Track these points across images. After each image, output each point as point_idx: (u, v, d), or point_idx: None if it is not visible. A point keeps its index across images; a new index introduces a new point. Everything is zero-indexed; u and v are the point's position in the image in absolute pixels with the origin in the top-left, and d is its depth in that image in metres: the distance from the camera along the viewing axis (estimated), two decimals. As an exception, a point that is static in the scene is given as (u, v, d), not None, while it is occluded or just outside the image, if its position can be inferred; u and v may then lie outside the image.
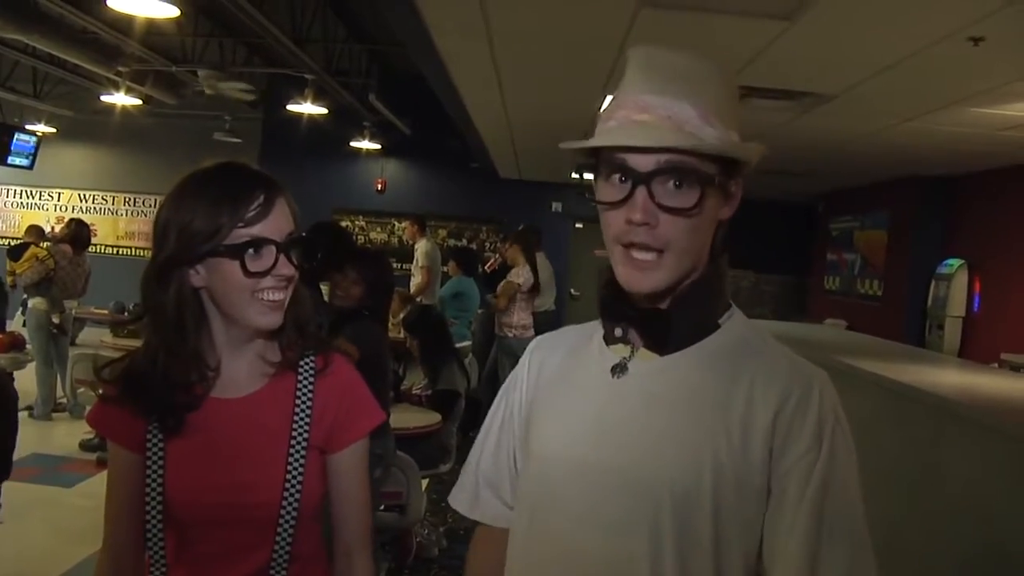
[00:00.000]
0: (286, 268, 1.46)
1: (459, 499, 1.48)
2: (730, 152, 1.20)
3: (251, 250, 1.42)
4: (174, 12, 6.24)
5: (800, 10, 4.12)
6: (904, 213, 10.10)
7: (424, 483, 4.97)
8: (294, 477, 1.48)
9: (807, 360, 1.26)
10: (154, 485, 1.49)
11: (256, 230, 1.43)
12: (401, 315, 7.15)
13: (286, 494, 1.47)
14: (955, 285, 9.00)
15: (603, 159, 1.22)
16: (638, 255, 1.20)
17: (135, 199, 13.72)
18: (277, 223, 1.45)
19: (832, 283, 12.12)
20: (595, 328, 1.35)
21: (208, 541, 1.51)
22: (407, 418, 4.86)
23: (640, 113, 1.19)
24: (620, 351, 1.28)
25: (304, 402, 1.53)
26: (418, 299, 8.78)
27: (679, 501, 1.16)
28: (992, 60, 4.68)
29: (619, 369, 1.26)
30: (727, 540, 1.17)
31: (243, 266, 1.42)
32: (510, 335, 7.73)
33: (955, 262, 9.11)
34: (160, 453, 1.50)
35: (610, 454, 1.21)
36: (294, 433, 1.50)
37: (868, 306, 10.73)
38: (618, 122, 1.21)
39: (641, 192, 1.17)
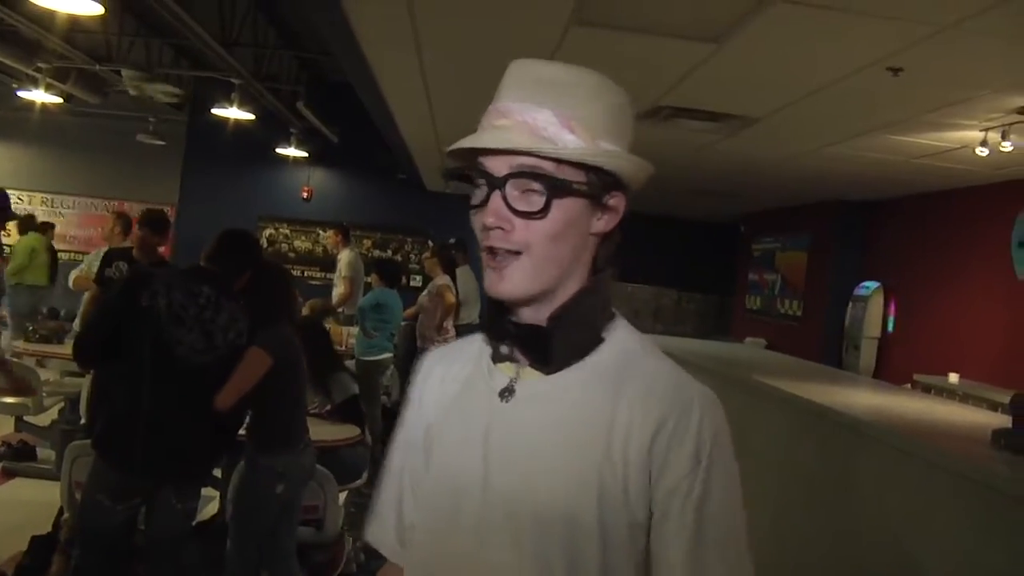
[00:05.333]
0: None
1: (382, 535, 1.42)
2: (586, 159, 1.18)
3: None
4: (98, 9, 6.10)
5: (728, 34, 4.19)
6: (824, 235, 10.33)
7: (342, 496, 4.91)
8: None
9: (692, 377, 1.25)
10: None
11: None
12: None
13: None
14: (872, 307, 9.23)
15: (471, 165, 1.22)
16: (498, 259, 1.20)
17: (53, 199, 13.35)
18: None
19: (753, 303, 12.33)
20: (485, 344, 1.32)
21: None
22: (326, 431, 4.80)
23: (500, 119, 1.20)
24: (507, 370, 1.26)
25: None
26: (340, 310, 8.71)
27: (567, 529, 1.16)
28: (910, 90, 4.82)
29: (507, 393, 1.24)
30: (616, 566, 1.17)
31: None
32: (432, 348, 7.71)
33: (872, 284, 9.34)
34: None
35: (500, 482, 1.20)
36: None
37: (788, 326, 10.93)
38: (480, 129, 1.21)
39: (495, 196, 1.18)
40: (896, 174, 7.67)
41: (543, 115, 1.17)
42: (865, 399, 4.31)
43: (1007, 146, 5.58)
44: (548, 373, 1.23)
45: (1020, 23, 3.69)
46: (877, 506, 3.13)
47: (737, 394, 4.29)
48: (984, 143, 5.72)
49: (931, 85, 4.74)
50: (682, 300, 13.14)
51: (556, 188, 1.17)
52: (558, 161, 1.16)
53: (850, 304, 9.58)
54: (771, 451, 3.93)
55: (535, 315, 1.23)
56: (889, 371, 8.67)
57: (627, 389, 1.20)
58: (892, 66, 4.38)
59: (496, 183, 1.18)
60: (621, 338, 1.27)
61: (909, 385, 7.04)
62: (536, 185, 1.16)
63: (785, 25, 4.04)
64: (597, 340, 1.25)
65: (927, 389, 6.81)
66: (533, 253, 1.18)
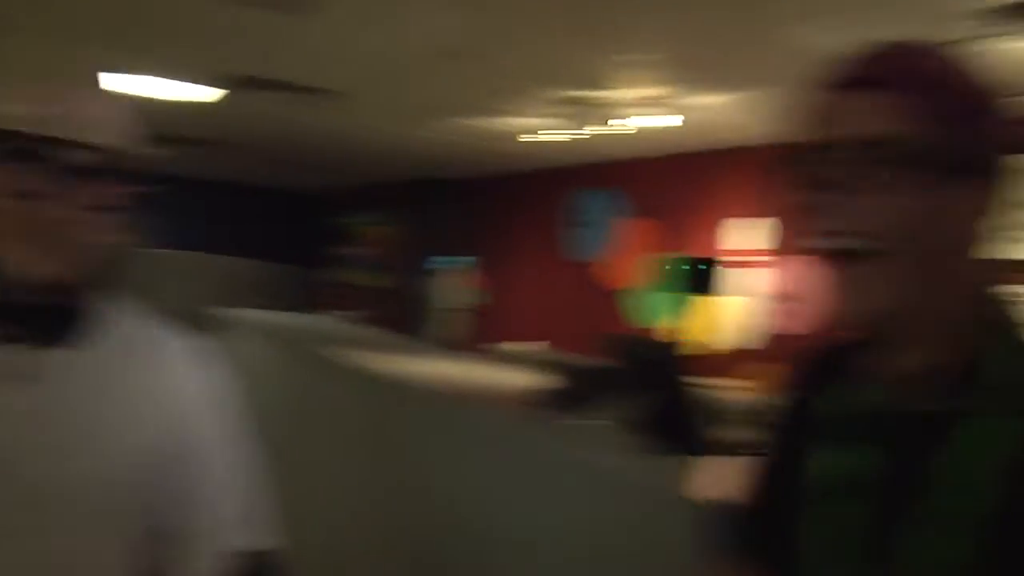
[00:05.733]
0: None
1: None
2: (137, 149, 1.22)
3: None
4: None
5: (310, 6, 4.17)
6: (414, 210, 10.74)
7: None
8: None
9: (201, 343, 1.36)
10: None
11: None
12: None
13: None
14: (461, 280, 9.78)
15: (20, 144, 1.12)
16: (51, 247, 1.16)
17: None
18: None
19: (342, 275, 12.42)
20: None
21: None
22: None
23: (66, 102, 1.16)
24: (16, 352, 1.19)
25: None
26: None
27: (117, 499, 1.21)
28: (468, 75, 5.17)
29: (21, 376, 1.18)
30: (168, 524, 1.27)
31: None
32: None
33: (460, 258, 9.89)
34: None
35: (33, 469, 1.16)
36: None
37: (377, 299, 11.18)
38: (47, 107, 1.14)
39: (85, 188, 1.14)
40: (471, 155, 8.14)
41: (117, 104, 1.19)
42: (434, 367, 4.48)
43: (559, 134, 6.14)
44: (63, 349, 1.21)
45: (566, 20, 4.07)
46: (433, 467, 3.31)
47: (307, 366, 4.36)
48: (537, 130, 6.24)
49: (488, 72, 5.09)
50: (265, 272, 12.66)
51: (131, 180, 1.19)
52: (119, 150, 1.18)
53: (439, 277, 10.08)
54: (334, 419, 4.00)
55: (47, 289, 1.19)
56: (477, 342, 9.17)
57: (140, 359, 1.27)
58: (452, 50, 4.63)
59: (88, 175, 1.14)
60: (133, 311, 1.32)
61: (484, 354, 7.48)
62: (114, 177, 1.16)
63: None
64: (107, 312, 1.27)
65: (503, 358, 7.26)
66: (100, 239, 1.18)
